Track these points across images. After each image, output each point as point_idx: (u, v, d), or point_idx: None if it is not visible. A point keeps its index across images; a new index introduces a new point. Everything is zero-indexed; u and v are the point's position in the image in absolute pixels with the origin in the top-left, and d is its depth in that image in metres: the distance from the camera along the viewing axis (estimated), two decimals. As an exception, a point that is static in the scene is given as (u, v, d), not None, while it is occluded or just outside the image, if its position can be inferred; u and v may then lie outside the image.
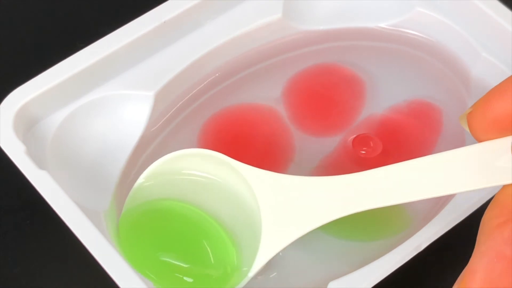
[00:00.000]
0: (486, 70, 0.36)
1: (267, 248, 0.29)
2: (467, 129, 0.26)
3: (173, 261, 0.30)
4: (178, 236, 0.31)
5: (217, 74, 0.37)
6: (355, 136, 0.36)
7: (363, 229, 0.34)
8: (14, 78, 0.34)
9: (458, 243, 0.34)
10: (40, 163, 0.32)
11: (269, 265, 0.32)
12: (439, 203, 0.33)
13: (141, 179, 0.32)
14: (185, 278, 0.30)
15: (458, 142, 0.35)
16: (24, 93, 0.33)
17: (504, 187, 0.25)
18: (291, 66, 0.38)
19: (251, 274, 0.29)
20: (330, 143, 0.36)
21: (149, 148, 0.35)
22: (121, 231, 0.31)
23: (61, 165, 0.33)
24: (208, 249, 0.30)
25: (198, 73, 0.37)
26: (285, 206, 0.28)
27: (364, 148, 0.35)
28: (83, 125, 0.35)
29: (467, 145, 0.34)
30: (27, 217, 0.36)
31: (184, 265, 0.30)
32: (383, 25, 0.39)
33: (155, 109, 0.35)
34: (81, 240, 0.30)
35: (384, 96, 0.37)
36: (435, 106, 0.37)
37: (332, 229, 0.33)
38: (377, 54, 0.39)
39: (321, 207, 0.28)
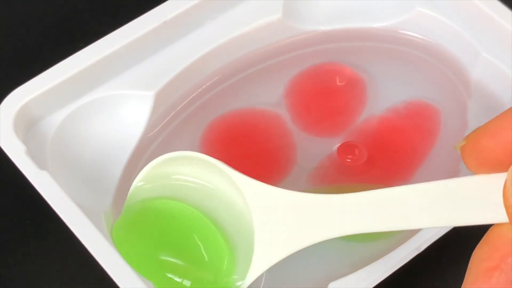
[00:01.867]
0: (486, 70, 0.36)
1: (259, 263, 0.28)
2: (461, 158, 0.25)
3: (168, 259, 0.30)
4: (172, 234, 0.30)
5: (217, 74, 0.37)
6: (339, 144, 0.36)
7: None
8: (14, 78, 0.34)
9: (458, 244, 0.34)
10: (40, 163, 0.32)
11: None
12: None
13: (136, 181, 0.31)
14: (179, 279, 0.30)
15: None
16: (24, 93, 0.33)
17: (495, 225, 0.24)
18: (291, 67, 0.38)
19: (244, 286, 0.29)
20: (331, 144, 0.36)
21: (149, 148, 0.35)
22: (115, 232, 0.31)
23: (61, 165, 0.33)
24: (203, 248, 0.30)
25: (198, 73, 0.37)
26: (279, 221, 0.28)
27: (349, 156, 0.35)
28: (84, 125, 0.35)
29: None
30: (27, 217, 0.36)
31: (180, 263, 0.30)
32: (383, 25, 0.39)
33: (155, 109, 0.35)
34: (81, 240, 0.30)
35: (384, 97, 0.37)
36: (433, 107, 0.37)
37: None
38: (377, 55, 0.39)
39: (314, 226, 0.27)
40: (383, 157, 0.35)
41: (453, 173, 0.34)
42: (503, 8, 0.35)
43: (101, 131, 0.35)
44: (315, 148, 0.36)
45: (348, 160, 0.35)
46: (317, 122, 0.37)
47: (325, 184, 0.35)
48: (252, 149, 0.36)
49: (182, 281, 0.29)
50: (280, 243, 0.27)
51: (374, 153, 0.35)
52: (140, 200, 0.31)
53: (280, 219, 0.28)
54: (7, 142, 0.32)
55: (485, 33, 0.36)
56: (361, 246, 0.33)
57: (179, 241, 0.30)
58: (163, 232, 0.30)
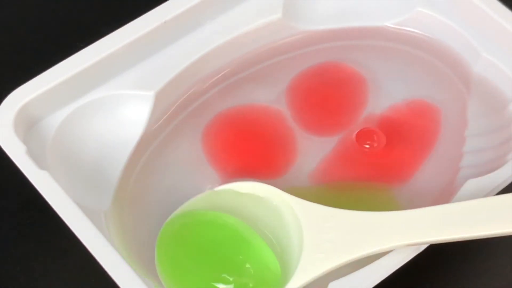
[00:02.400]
0: (487, 70, 0.36)
1: (303, 273, 0.29)
2: None
3: (213, 270, 0.31)
4: (219, 245, 0.32)
5: (218, 74, 0.37)
6: (358, 130, 0.36)
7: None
8: (14, 78, 0.34)
9: (458, 244, 0.34)
10: (41, 163, 0.32)
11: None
12: (438, 203, 0.33)
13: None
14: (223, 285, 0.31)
15: (457, 143, 0.35)
16: (25, 93, 0.33)
17: None
18: (291, 66, 0.38)
19: None
20: (332, 142, 0.36)
21: (149, 148, 0.35)
22: (161, 239, 0.32)
23: (61, 165, 0.33)
24: (248, 260, 0.31)
25: (198, 73, 0.37)
26: (325, 235, 0.30)
27: (368, 142, 0.35)
28: (84, 125, 0.35)
29: (466, 145, 0.35)
30: (27, 217, 0.36)
31: (224, 273, 0.31)
32: (383, 25, 0.39)
33: (156, 109, 0.35)
34: (81, 240, 0.30)
35: (384, 96, 0.37)
36: (434, 106, 0.37)
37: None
38: (378, 54, 0.39)
39: (358, 240, 0.29)
40: (383, 156, 0.35)
41: (453, 173, 0.34)
42: (503, 8, 0.35)
43: (101, 131, 0.35)
44: (316, 146, 0.36)
45: (367, 146, 0.35)
46: (317, 121, 0.37)
47: (326, 181, 0.35)
48: (252, 146, 0.36)
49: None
50: (322, 258, 0.29)
51: (372, 153, 0.35)
52: (189, 211, 0.33)
53: (327, 232, 0.30)
54: (7, 142, 0.32)
55: (485, 33, 0.36)
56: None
57: (225, 252, 0.31)
58: (210, 242, 0.32)
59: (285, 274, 0.30)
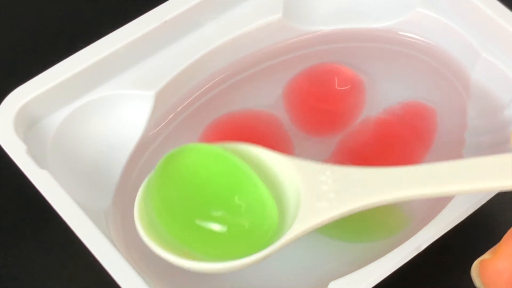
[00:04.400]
0: (486, 71, 0.36)
1: (302, 223, 0.29)
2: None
3: (201, 208, 0.29)
4: (212, 179, 0.29)
5: (218, 74, 0.37)
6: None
7: (361, 231, 0.34)
8: (14, 78, 0.34)
9: (458, 244, 0.34)
10: (41, 163, 0.32)
11: (270, 265, 0.33)
12: (438, 204, 0.33)
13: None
14: (216, 226, 0.29)
15: (455, 144, 0.35)
16: (25, 93, 0.33)
17: None
18: (291, 67, 0.38)
19: (287, 237, 0.29)
20: (330, 143, 0.36)
21: (150, 147, 0.35)
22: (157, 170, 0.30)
23: (61, 164, 0.33)
24: (242, 196, 0.29)
25: (198, 73, 0.37)
26: (326, 186, 0.29)
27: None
28: (84, 124, 0.35)
29: (466, 145, 0.35)
30: (27, 217, 0.36)
31: (215, 209, 0.29)
32: (383, 26, 0.39)
33: (156, 108, 0.35)
34: (81, 239, 0.30)
35: (382, 98, 0.37)
36: (430, 108, 0.37)
37: (331, 232, 0.33)
38: (377, 56, 0.39)
39: (362, 191, 0.29)
40: (380, 157, 0.35)
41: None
42: (503, 8, 0.35)
43: (102, 131, 0.35)
44: (313, 148, 0.36)
45: None
46: (315, 123, 0.37)
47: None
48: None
49: (214, 226, 0.29)
50: (326, 206, 0.29)
51: (371, 154, 0.35)
52: (182, 146, 0.30)
53: (327, 186, 0.29)
54: (8, 141, 0.32)
55: (485, 33, 0.36)
56: (361, 246, 0.33)
57: (220, 187, 0.29)
58: (202, 176, 0.30)
59: (281, 227, 0.29)
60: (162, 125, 0.36)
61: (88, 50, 0.34)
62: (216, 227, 0.28)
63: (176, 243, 0.29)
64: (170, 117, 0.36)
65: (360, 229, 0.34)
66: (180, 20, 0.36)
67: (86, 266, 0.34)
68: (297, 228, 0.29)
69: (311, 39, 0.39)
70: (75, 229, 0.30)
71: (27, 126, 0.34)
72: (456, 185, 0.28)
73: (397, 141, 0.36)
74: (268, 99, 0.37)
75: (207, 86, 0.37)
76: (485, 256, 0.28)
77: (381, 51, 0.39)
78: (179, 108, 0.36)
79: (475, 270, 0.29)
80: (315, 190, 0.29)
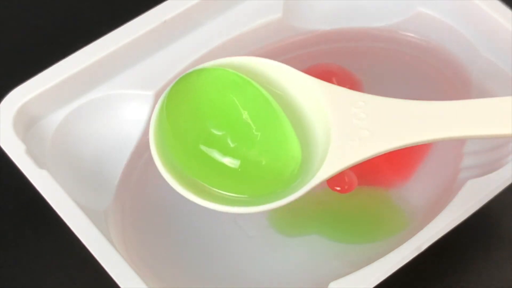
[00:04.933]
0: (487, 71, 0.36)
1: (336, 160, 0.26)
2: None
3: (212, 134, 0.27)
4: (230, 108, 0.27)
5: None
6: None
7: (362, 231, 0.34)
8: (14, 77, 0.34)
9: (459, 244, 0.34)
10: (40, 163, 0.32)
11: (270, 265, 0.33)
12: (438, 203, 0.33)
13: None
14: (229, 159, 0.26)
15: (458, 145, 0.35)
16: (24, 92, 0.33)
17: None
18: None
19: (311, 184, 0.26)
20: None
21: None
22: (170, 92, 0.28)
23: (61, 164, 0.33)
24: (261, 127, 0.27)
25: (198, 72, 0.37)
26: (358, 121, 0.27)
27: (338, 186, 0.33)
28: (83, 124, 0.35)
29: (467, 146, 0.35)
30: (27, 217, 0.36)
31: (231, 144, 0.27)
32: (383, 25, 0.39)
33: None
34: (81, 239, 0.30)
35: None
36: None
37: (331, 234, 0.33)
38: (377, 56, 0.39)
39: (398, 129, 0.26)
40: (380, 157, 0.35)
41: (453, 174, 0.34)
42: (503, 8, 0.35)
43: (101, 131, 0.35)
44: None
45: (338, 188, 0.33)
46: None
47: (324, 186, 0.35)
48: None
49: (226, 159, 0.27)
50: (357, 145, 0.26)
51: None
52: (200, 68, 0.28)
53: (360, 122, 0.27)
54: (7, 141, 0.32)
55: (485, 33, 0.36)
56: (361, 247, 0.33)
57: (237, 114, 0.27)
58: (220, 101, 0.27)
59: (306, 165, 0.27)
60: (162, 125, 0.36)
61: (87, 49, 0.34)
62: (229, 160, 0.27)
63: (189, 176, 0.27)
64: (170, 117, 0.36)
65: (360, 229, 0.34)
66: (180, 19, 0.36)
67: (85, 266, 0.34)
68: (327, 169, 0.26)
69: (311, 39, 0.39)
70: (75, 229, 0.30)
71: (27, 125, 0.33)
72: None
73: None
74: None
75: (207, 86, 0.37)
76: None
77: (381, 51, 0.39)
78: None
79: None
80: (346, 125, 0.26)
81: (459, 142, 0.35)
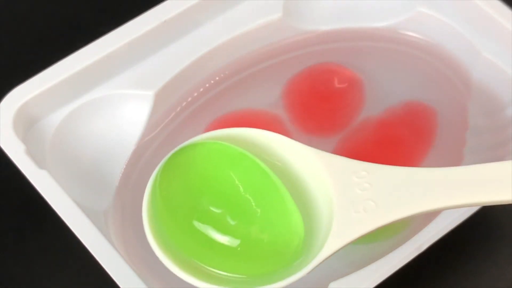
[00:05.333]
0: (487, 70, 0.36)
1: (341, 234, 0.25)
2: None
3: (215, 212, 0.25)
4: (227, 180, 0.26)
5: (217, 74, 0.37)
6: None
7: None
8: (13, 77, 0.34)
9: (459, 244, 0.34)
10: (40, 163, 0.32)
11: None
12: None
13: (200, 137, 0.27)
14: (227, 238, 0.25)
15: (456, 144, 0.35)
16: (24, 92, 0.33)
17: None
18: (291, 67, 0.38)
19: (315, 262, 0.25)
20: (330, 143, 0.36)
21: (149, 148, 0.35)
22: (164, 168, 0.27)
23: (61, 164, 0.33)
24: (264, 205, 0.26)
25: (198, 72, 0.37)
26: (361, 192, 0.26)
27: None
28: (83, 124, 0.35)
29: (467, 145, 0.35)
30: (27, 217, 0.36)
31: (231, 222, 0.26)
32: (383, 25, 0.39)
33: (155, 108, 0.35)
34: (81, 240, 0.30)
35: (382, 98, 0.37)
36: (430, 107, 0.37)
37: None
38: (377, 55, 0.39)
39: (404, 199, 0.25)
40: (381, 157, 0.35)
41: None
42: (504, 7, 0.35)
43: (101, 131, 0.35)
44: (313, 147, 0.36)
45: None
46: (315, 122, 0.37)
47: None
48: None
49: (226, 238, 0.25)
50: (362, 217, 0.25)
51: (371, 154, 0.35)
52: (194, 143, 0.27)
53: (363, 192, 0.26)
54: (7, 141, 0.32)
55: (486, 33, 0.36)
56: (361, 247, 0.33)
57: (236, 189, 0.26)
58: (217, 176, 0.26)
59: (309, 240, 0.26)
60: (162, 125, 0.36)
61: (87, 49, 0.34)
62: (227, 239, 0.25)
63: (184, 255, 0.26)
64: (170, 117, 0.36)
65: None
66: (179, 19, 0.36)
67: (85, 267, 0.34)
68: (332, 245, 0.25)
69: (311, 39, 0.39)
70: (75, 230, 0.30)
71: (26, 126, 0.33)
72: None
73: (397, 141, 0.36)
74: (268, 98, 0.37)
75: (207, 85, 0.37)
76: None
77: (381, 51, 0.39)
78: (179, 108, 0.36)
79: None
80: (349, 195, 0.26)
81: (460, 142, 0.35)
